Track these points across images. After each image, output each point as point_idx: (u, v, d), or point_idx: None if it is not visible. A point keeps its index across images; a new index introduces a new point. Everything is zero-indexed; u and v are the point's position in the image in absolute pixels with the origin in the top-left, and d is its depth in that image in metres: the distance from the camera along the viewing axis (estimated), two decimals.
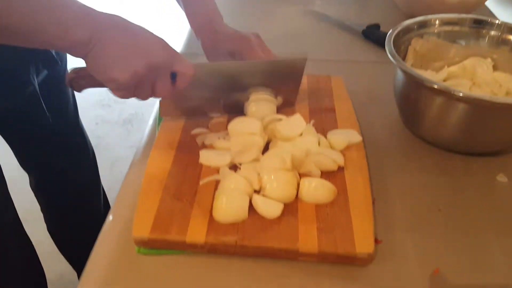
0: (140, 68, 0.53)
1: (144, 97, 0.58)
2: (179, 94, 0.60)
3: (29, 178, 1.09)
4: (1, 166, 0.88)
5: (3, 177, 0.88)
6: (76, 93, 1.07)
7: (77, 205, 1.12)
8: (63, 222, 1.18)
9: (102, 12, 0.53)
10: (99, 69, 0.53)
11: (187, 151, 0.65)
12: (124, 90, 0.56)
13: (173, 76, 0.58)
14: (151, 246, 0.54)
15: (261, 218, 0.56)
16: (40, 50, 0.81)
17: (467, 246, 0.57)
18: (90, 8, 0.51)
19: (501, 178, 0.66)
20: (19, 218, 0.96)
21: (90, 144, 1.12)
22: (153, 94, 0.58)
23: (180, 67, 0.57)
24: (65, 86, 0.78)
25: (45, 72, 0.87)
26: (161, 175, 0.61)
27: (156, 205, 0.57)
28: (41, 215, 1.41)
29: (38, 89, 0.85)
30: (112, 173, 1.70)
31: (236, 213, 0.55)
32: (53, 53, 0.85)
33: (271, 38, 1.02)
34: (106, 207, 1.21)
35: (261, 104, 0.70)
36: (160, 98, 0.66)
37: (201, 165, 0.63)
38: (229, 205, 0.55)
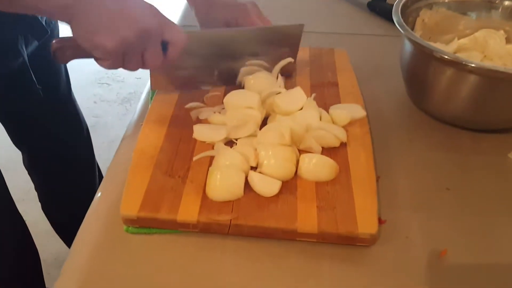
0: (128, 34, 0.49)
1: (133, 68, 0.54)
2: (170, 65, 0.56)
3: (22, 156, 1.06)
4: None
5: None
6: (73, 70, 1.03)
7: (71, 184, 1.09)
8: (57, 200, 1.15)
9: None
10: (85, 35, 0.50)
11: (180, 126, 0.62)
12: (111, 59, 0.52)
13: (164, 45, 0.54)
14: (140, 224, 0.51)
15: (258, 196, 0.52)
16: (29, 19, 0.77)
17: (477, 227, 0.53)
18: None
19: None
20: (10, 197, 0.93)
21: (85, 121, 1.08)
22: (143, 64, 0.54)
23: (172, 35, 0.53)
24: None
25: (35, 43, 0.83)
26: (153, 150, 0.58)
27: (146, 182, 0.54)
28: (35, 194, 1.39)
29: (27, 61, 0.81)
30: (109, 152, 1.67)
31: (231, 191, 0.52)
32: (43, 22, 0.81)
33: (273, 10, 0.98)
34: None
35: (259, 76, 0.66)
36: (150, 69, 0.62)
37: (195, 141, 0.59)
38: (223, 182, 0.52)
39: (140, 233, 0.51)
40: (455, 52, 0.71)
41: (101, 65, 0.53)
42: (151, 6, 0.52)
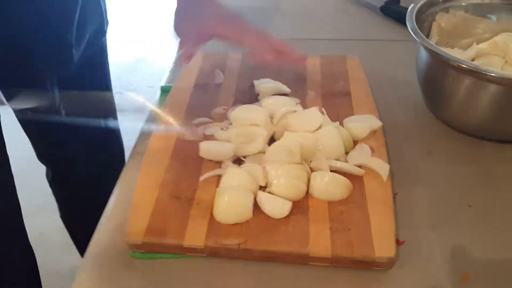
0: None
1: None
2: None
3: (46, 170, 1.05)
4: (10, 157, 0.84)
5: (11, 172, 0.83)
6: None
7: (95, 200, 1.07)
8: (79, 212, 1.13)
9: None
10: None
11: (187, 143, 0.60)
12: None
13: None
14: (145, 250, 0.49)
15: (267, 217, 0.50)
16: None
17: (501, 247, 0.50)
18: None
19: None
20: (20, 211, 0.92)
21: (121, 143, 1.06)
22: None
23: None
24: None
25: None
26: (158, 170, 0.56)
27: (152, 205, 0.52)
28: (54, 205, 1.39)
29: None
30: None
31: (240, 213, 0.50)
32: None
33: (285, 15, 0.96)
34: None
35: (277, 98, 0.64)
36: None
37: (202, 159, 0.57)
38: (231, 204, 0.50)
39: (145, 258, 0.49)
40: (474, 58, 0.68)
41: None
42: None
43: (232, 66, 0.75)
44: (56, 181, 1.07)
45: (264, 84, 0.67)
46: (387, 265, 0.47)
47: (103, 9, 0.84)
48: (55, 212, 1.21)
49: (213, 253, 0.48)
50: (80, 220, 1.13)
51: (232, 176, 0.52)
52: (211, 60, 0.76)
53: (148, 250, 0.49)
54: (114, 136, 1.06)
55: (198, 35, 0.65)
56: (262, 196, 0.51)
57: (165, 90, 0.72)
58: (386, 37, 0.87)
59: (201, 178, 0.54)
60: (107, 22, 0.87)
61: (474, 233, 0.52)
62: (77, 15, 0.74)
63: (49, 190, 1.12)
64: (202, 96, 0.68)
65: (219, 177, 0.55)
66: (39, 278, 1.04)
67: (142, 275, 0.48)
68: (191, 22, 0.64)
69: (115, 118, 1.03)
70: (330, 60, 0.75)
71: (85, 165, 1.00)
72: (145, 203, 0.52)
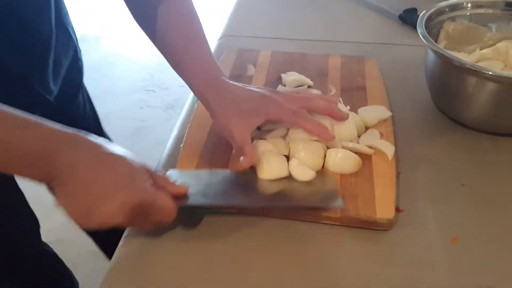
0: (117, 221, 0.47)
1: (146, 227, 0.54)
2: None
3: None
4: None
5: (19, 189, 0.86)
6: (121, 78, 1.09)
7: None
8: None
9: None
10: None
11: None
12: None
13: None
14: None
15: (288, 184, 0.60)
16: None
17: (487, 219, 0.59)
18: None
19: None
20: (38, 227, 0.96)
21: None
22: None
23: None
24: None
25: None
26: (198, 145, 0.66)
27: (193, 169, 0.62)
28: None
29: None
30: (153, 153, 1.79)
31: (280, 170, 0.60)
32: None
33: (310, 22, 1.06)
34: None
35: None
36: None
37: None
38: (272, 163, 0.60)
39: (190, 212, 0.60)
40: (477, 61, 0.76)
41: None
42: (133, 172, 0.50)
43: (262, 61, 0.85)
44: None
45: (290, 77, 0.77)
46: (387, 225, 0.56)
47: (75, 39, 0.84)
48: None
49: (242, 210, 0.59)
50: None
51: (263, 144, 0.62)
52: (244, 55, 0.86)
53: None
54: None
55: (250, 129, 0.61)
56: (293, 161, 0.60)
57: None
58: (403, 42, 0.96)
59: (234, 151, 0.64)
60: (80, 51, 0.86)
61: (465, 207, 0.60)
62: (51, 60, 0.73)
63: None
64: None
65: None
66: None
67: (190, 227, 0.59)
68: (237, 119, 0.60)
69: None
70: (350, 60, 0.85)
71: None
72: (188, 168, 0.62)
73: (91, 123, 0.98)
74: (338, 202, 0.56)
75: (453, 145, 0.70)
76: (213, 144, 0.66)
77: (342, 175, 0.61)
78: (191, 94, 0.83)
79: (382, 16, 1.07)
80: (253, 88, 0.63)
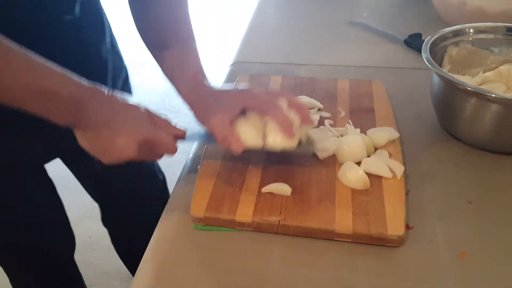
0: (126, 155, 0.58)
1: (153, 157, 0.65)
2: None
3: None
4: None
5: (49, 178, 0.95)
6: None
7: (137, 211, 1.13)
8: (120, 221, 1.20)
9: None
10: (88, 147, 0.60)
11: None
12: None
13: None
14: (205, 223, 0.62)
15: (302, 202, 0.63)
16: None
17: (494, 235, 0.61)
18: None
19: None
20: (67, 218, 1.03)
21: (163, 174, 1.14)
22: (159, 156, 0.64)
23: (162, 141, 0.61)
24: None
25: None
26: (215, 165, 0.70)
27: (210, 189, 0.65)
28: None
29: None
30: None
31: (254, 139, 0.64)
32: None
33: (319, 48, 1.10)
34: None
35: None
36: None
37: (249, 156, 0.71)
38: (247, 132, 0.64)
39: (205, 229, 0.63)
40: (480, 84, 0.79)
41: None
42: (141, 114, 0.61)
43: (273, 85, 0.89)
44: (105, 218, 1.19)
45: (301, 100, 0.81)
46: (398, 242, 0.59)
47: (122, 58, 0.93)
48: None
49: (258, 227, 0.61)
50: (121, 226, 1.23)
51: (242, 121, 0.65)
52: (256, 80, 0.90)
53: (208, 223, 0.62)
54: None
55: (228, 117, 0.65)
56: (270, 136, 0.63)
57: None
58: (409, 65, 1.00)
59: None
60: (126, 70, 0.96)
61: (472, 223, 0.63)
62: (109, 80, 0.85)
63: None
64: None
65: (262, 171, 0.68)
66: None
67: (202, 243, 0.61)
68: (216, 112, 0.66)
69: None
70: (357, 83, 0.88)
71: (134, 197, 1.08)
72: (205, 187, 0.65)
73: None
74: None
75: (460, 164, 0.73)
76: (229, 165, 0.70)
77: (353, 192, 0.64)
78: None
79: (388, 41, 1.11)
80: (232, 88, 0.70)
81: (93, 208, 1.68)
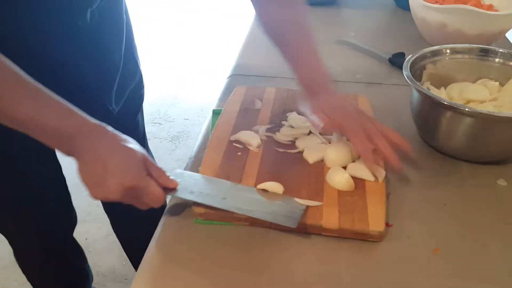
0: (114, 196, 0.60)
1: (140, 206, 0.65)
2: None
3: None
4: (62, 168, 1.04)
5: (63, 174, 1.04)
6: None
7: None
8: (121, 208, 1.26)
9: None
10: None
11: (234, 148, 0.80)
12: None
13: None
14: (205, 218, 0.68)
15: None
16: None
17: (466, 234, 0.68)
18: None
19: (501, 182, 0.77)
20: (69, 195, 1.10)
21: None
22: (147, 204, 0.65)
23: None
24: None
25: None
26: (214, 165, 0.76)
27: None
28: (96, 216, 1.56)
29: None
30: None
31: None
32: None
33: None
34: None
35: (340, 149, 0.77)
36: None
37: (246, 159, 0.77)
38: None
39: (205, 223, 0.69)
40: (461, 94, 0.86)
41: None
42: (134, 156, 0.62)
43: (268, 97, 0.96)
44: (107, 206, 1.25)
45: (293, 115, 0.87)
46: (378, 237, 0.66)
47: (138, 64, 1.00)
48: (97, 221, 1.37)
49: (252, 223, 0.68)
50: (126, 224, 1.30)
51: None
52: (252, 92, 0.97)
53: (207, 218, 0.68)
54: None
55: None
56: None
57: (216, 113, 0.93)
58: (391, 82, 1.08)
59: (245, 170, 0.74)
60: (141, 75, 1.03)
61: (445, 223, 0.70)
62: (117, 81, 0.91)
63: (91, 202, 1.30)
64: (245, 117, 0.89)
65: (257, 172, 0.74)
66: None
67: (202, 235, 0.67)
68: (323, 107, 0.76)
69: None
70: (344, 97, 0.96)
71: None
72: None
73: (140, 136, 1.16)
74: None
75: (436, 171, 0.80)
76: (228, 165, 0.76)
77: (340, 193, 0.71)
78: (205, 123, 0.93)
79: (374, 59, 1.19)
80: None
81: (89, 211, 1.74)
